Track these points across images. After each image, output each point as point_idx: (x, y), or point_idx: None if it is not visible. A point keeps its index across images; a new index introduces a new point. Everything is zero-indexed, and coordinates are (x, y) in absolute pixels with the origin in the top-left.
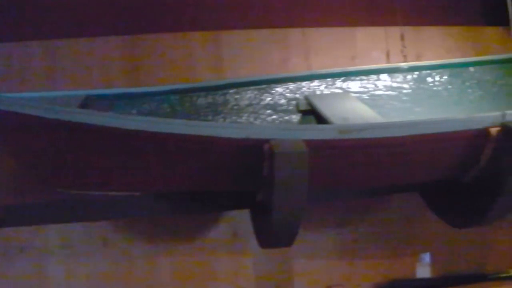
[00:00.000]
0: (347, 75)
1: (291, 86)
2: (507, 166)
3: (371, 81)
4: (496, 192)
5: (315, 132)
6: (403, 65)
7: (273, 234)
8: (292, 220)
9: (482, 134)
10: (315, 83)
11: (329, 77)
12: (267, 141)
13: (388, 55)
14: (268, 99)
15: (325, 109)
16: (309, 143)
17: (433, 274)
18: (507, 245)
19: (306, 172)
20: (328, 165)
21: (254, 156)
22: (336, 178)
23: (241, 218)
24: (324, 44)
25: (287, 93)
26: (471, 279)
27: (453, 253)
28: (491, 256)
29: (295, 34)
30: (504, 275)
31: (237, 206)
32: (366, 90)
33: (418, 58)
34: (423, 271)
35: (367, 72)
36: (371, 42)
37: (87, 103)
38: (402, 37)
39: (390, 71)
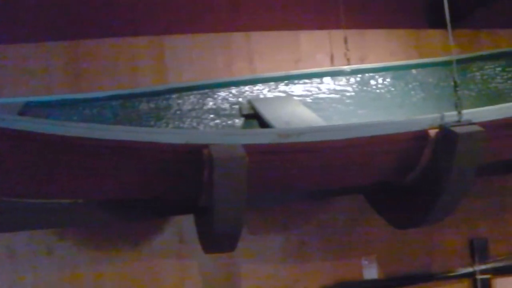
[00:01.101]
0: (290, 78)
1: (234, 90)
2: (446, 167)
3: (314, 85)
4: (436, 192)
5: (254, 136)
6: (346, 68)
7: (214, 239)
8: (232, 225)
9: (421, 136)
10: (258, 87)
11: (272, 81)
12: (206, 146)
13: (332, 58)
14: (211, 103)
15: (267, 113)
16: (248, 147)
17: (380, 275)
18: (452, 244)
19: (245, 177)
20: (269, 168)
21: (194, 161)
22: (278, 181)
23: (188, 223)
24: (268, 48)
25: (230, 97)
26: (417, 279)
27: (399, 254)
28: (436, 256)
29: (239, 38)
30: (450, 274)
31: (182, 211)
32: (309, 93)
33: (362, 60)
34: (370, 272)
35: (310, 76)
36: (315, 45)
37: (26, 110)
38: (345, 40)
39: (333, 74)
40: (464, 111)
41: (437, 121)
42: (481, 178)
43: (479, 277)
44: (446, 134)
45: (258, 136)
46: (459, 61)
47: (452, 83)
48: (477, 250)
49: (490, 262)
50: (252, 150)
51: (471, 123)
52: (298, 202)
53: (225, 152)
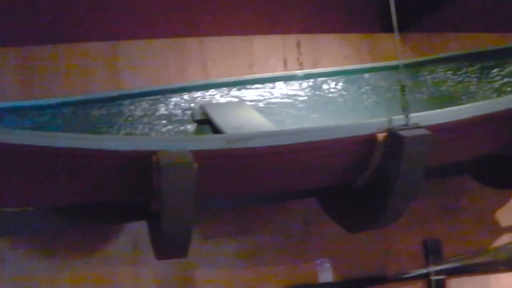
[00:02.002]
0: (243, 83)
1: (186, 96)
2: (394, 170)
3: (267, 89)
4: (386, 196)
5: (203, 142)
6: (299, 72)
7: (165, 245)
8: (181, 231)
9: (369, 140)
10: (210, 92)
11: (224, 86)
12: (154, 152)
13: (285, 63)
14: (163, 109)
15: (218, 119)
16: (197, 153)
17: (335, 278)
18: (406, 246)
19: (193, 183)
20: (219, 174)
21: (143, 168)
22: (229, 186)
23: (142, 229)
24: (222, 53)
25: (182, 103)
26: (372, 281)
27: (354, 257)
28: (391, 258)
29: (192, 43)
30: (405, 275)
31: (135, 218)
32: (262, 98)
33: (315, 65)
34: (325, 275)
35: (263, 81)
36: (268, 50)
37: None
38: (298, 45)
39: (286, 79)
40: (412, 115)
41: (385, 125)
42: (434, 179)
43: (433, 278)
44: (394, 137)
45: (207, 142)
46: (411, 65)
47: (402, 87)
48: (431, 251)
49: (444, 263)
50: (200, 156)
51: (418, 127)
52: (252, 206)
53: (173, 158)
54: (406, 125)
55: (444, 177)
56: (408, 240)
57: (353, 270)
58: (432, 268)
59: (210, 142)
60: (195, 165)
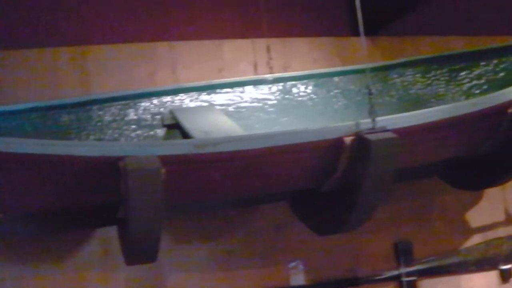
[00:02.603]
0: (212, 88)
1: (155, 100)
2: (362, 173)
3: (236, 94)
4: (354, 199)
5: (170, 147)
6: (268, 76)
7: (133, 250)
8: (149, 236)
9: (337, 144)
10: (180, 96)
11: (194, 91)
12: (121, 158)
13: (255, 67)
14: (132, 114)
15: (187, 123)
16: (164, 158)
17: (307, 281)
18: (378, 248)
19: (160, 188)
20: (187, 179)
21: (110, 173)
22: (197, 191)
23: (112, 234)
24: (192, 57)
25: (152, 107)
26: (344, 284)
27: (326, 259)
28: (363, 260)
29: (162, 48)
30: (376, 277)
31: (105, 223)
32: (231, 102)
33: (285, 69)
34: (297, 278)
35: (232, 85)
36: (238, 54)
37: None
38: (268, 49)
39: (256, 83)
40: (379, 118)
41: (353, 128)
42: (404, 182)
43: (404, 279)
44: (361, 141)
45: (174, 147)
46: (380, 68)
47: (369, 90)
48: (402, 253)
49: (415, 264)
50: (168, 161)
51: (385, 130)
52: (224, 210)
53: (140, 163)
54: (373, 128)
55: (414, 179)
56: (379, 242)
57: (324, 272)
58: (403, 270)
59: (177, 147)
60: (163, 170)
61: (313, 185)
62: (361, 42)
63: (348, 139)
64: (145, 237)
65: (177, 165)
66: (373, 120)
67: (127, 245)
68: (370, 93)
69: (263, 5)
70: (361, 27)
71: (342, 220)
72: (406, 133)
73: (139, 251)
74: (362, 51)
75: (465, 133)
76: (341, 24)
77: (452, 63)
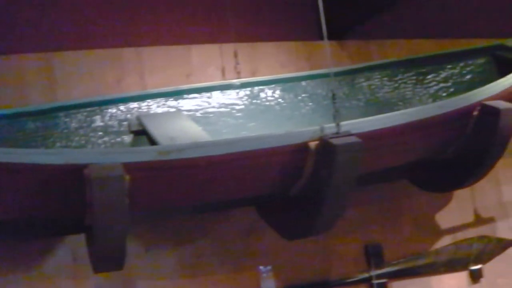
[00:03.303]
0: (179, 93)
1: (122, 106)
2: (327, 178)
3: (204, 99)
4: (320, 203)
5: (134, 154)
6: (236, 81)
7: (100, 258)
8: (115, 244)
9: (302, 149)
10: (147, 102)
11: (161, 97)
12: (86, 166)
13: (223, 72)
14: (99, 121)
15: (154, 129)
16: (128, 166)
17: (277, 285)
18: (348, 251)
19: (125, 195)
20: (152, 185)
21: (75, 181)
22: (163, 197)
23: (81, 242)
24: (159, 63)
25: (119, 114)
26: (315, 287)
27: (296, 263)
28: (333, 263)
29: (129, 53)
30: (347, 280)
31: (73, 231)
32: (199, 108)
33: (253, 73)
34: (267, 283)
35: (200, 90)
36: (206, 59)
37: None
38: (235, 54)
39: (223, 88)
40: (344, 123)
41: (317, 133)
42: (373, 184)
43: (375, 281)
44: (325, 146)
45: (138, 154)
46: (347, 72)
47: (333, 95)
48: (372, 255)
49: (385, 266)
50: (132, 168)
51: (349, 134)
52: (193, 215)
53: (104, 171)
54: (337, 133)
55: (383, 182)
56: (349, 245)
57: (295, 276)
58: (373, 272)
59: (141, 154)
60: (127, 177)
61: (280, 189)
62: (325, 47)
63: (312, 144)
64: (111, 245)
65: (142, 172)
66: (337, 124)
67: (93, 253)
68: (334, 98)
69: (231, 10)
70: (324, 32)
71: (309, 224)
72: (370, 137)
73: (105, 259)
74: (327, 56)
75: (431, 136)
76: (309, 28)
77: (419, 66)
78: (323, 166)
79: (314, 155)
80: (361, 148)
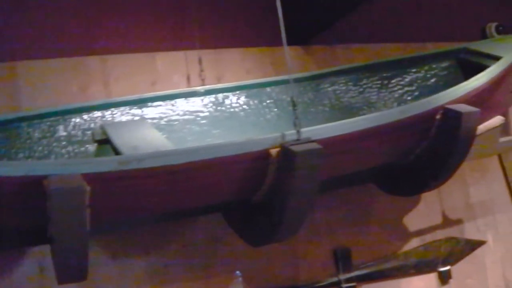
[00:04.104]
0: (144, 101)
1: (86, 116)
2: (288, 184)
3: (168, 107)
4: (282, 209)
5: (94, 165)
6: (200, 88)
7: (61, 269)
8: (76, 255)
9: (263, 156)
10: (111, 111)
11: (125, 105)
12: (45, 177)
13: (188, 79)
14: (62, 130)
15: (117, 138)
16: (88, 176)
17: None
18: (317, 255)
19: (85, 207)
20: (113, 196)
21: (35, 193)
22: (127, 207)
23: (48, 252)
24: (124, 71)
25: (82, 123)
26: None
27: (264, 269)
28: (302, 268)
29: (94, 61)
30: (316, 285)
31: (38, 242)
32: (163, 115)
33: (219, 79)
34: None
35: (164, 98)
36: (171, 66)
37: None
38: (200, 61)
39: (187, 96)
40: (305, 129)
41: (278, 140)
42: (340, 189)
43: (344, 285)
44: (286, 152)
45: (98, 165)
46: (312, 77)
47: (292, 102)
48: (341, 259)
49: (354, 270)
50: (92, 179)
51: (310, 141)
52: (160, 223)
53: (63, 182)
54: (298, 139)
55: (349, 186)
56: (318, 250)
57: (264, 282)
58: (342, 276)
59: (101, 164)
60: (87, 188)
61: (243, 196)
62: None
63: (273, 151)
64: (71, 256)
65: (102, 182)
66: (298, 131)
67: (55, 264)
68: (294, 105)
69: (196, 16)
70: (284, 39)
71: (272, 230)
72: (331, 143)
73: (67, 270)
74: (287, 62)
75: (394, 141)
76: (274, 34)
77: (384, 70)
78: (284, 173)
79: (275, 162)
80: (321, 155)
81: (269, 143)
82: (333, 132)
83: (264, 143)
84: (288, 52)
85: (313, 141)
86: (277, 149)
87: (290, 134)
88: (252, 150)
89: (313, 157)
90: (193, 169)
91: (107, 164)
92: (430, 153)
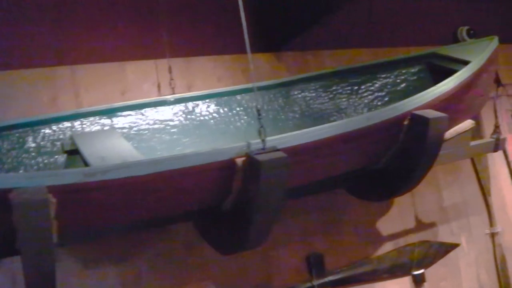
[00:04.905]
0: (113, 111)
1: (55, 126)
2: (255, 193)
3: (138, 116)
4: (249, 218)
5: (59, 177)
6: (170, 97)
7: (30, 281)
8: (42, 267)
9: (229, 165)
10: (81, 121)
11: (94, 115)
12: (11, 190)
13: (159, 88)
14: (32, 142)
15: (85, 149)
16: (54, 188)
17: None
18: (290, 262)
19: (51, 219)
20: (80, 207)
21: (2, 206)
22: (95, 217)
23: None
24: (94, 80)
25: (52, 134)
26: None
27: (238, 276)
28: (275, 275)
29: (63, 71)
30: None
31: (5, 254)
32: (133, 125)
33: (189, 88)
34: None
35: (133, 107)
36: (141, 75)
37: None
38: (169, 70)
39: (157, 105)
40: (270, 138)
41: (244, 149)
42: (312, 195)
43: None
44: (251, 162)
45: (63, 177)
46: (283, 84)
47: (257, 111)
48: (314, 265)
49: (327, 275)
50: (58, 191)
51: (275, 150)
52: (132, 232)
53: (28, 195)
54: (263, 148)
55: (319, 192)
56: (291, 256)
57: None
58: (316, 282)
59: (66, 176)
60: (54, 200)
61: (211, 205)
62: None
63: (239, 160)
64: (38, 269)
65: (68, 194)
66: (263, 140)
67: (24, 275)
68: (259, 114)
69: (165, 25)
70: (248, 47)
71: (241, 239)
72: (297, 151)
73: (35, 282)
74: (250, 71)
75: (362, 147)
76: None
77: (354, 76)
78: (250, 182)
79: (241, 171)
80: (286, 163)
81: (235, 152)
82: (298, 140)
83: (229, 152)
84: (252, 61)
85: (278, 150)
86: (243, 159)
87: (256, 143)
88: (217, 160)
89: (278, 166)
90: (158, 180)
91: (72, 176)
92: (400, 158)
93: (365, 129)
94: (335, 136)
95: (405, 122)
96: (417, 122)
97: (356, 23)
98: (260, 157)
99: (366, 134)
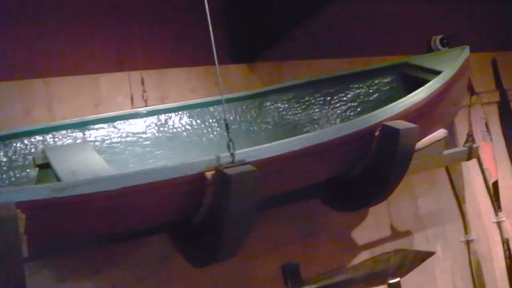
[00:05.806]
0: (85, 124)
1: (26, 140)
2: (225, 207)
3: (110, 129)
4: (220, 231)
5: (28, 193)
6: (142, 110)
7: None
8: (12, 282)
9: (198, 179)
10: (53, 134)
11: (66, 128)
12: None
13: (132, 100)
14: (3, 155)
15: (57, 163)
16: (22, 204)
17: None
18: (265, 272)
19: (19, 235)
20: (53, 221)
21: None
22: (66, 232)
23: None
24: (68, 93)
25: (23, 147)
26: None
27: (214, 286)
28: (251, 285)
29: (37, 84)
30: None
31: None
32: (105, 138)
33: (163, 100)
34: None
35: (106, 120)
36: (115, 87)
37: None
38: (142, 82)
39: (129, 117)
40: (240, 151)
41: (213, 163)
42: (287, 204)
43: None
44: (221, 175)
45: (32, 192)
46: (255, 95)
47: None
48: (289, 274)
49: (303, 285)
50: (26, 207)
51: (244, 163)
52: (107, 245)
53: None
54: (232, 162)
55: (293, 202)
56: (266, 266)
57: None
58: None
59: (35, 192)
60: (22, 216)
61: (182, 218)
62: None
63: (209, 174)
64: (9, 283)
65: (37, 210)
66: (232, 154)
67: None
68: (227, 127)
69: (138, 37)
70: (215, 59)
71: (213, 251)
72: (266, 164)
73: None
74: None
75: (333, 158)
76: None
77: (326, 86)
78: (220, 195)
79: (211, 185)
80: (255, 177)
81: (204, 166)
82: (268, 153)
83: (199, 166)
84: (221, 74)
85: (247, 163)
86: (212, 172)
87: (225, 156)
88: (187, 174)
89: (247, 179)
90: (129, 194)
91: (41, 191)
92: (372, 169)
93: (335, 141)
94: (305, 148)
95: (376, 133)
96: (388, 133)
97: (331, 33)
98: (229, 171)
99: (337, 146)
